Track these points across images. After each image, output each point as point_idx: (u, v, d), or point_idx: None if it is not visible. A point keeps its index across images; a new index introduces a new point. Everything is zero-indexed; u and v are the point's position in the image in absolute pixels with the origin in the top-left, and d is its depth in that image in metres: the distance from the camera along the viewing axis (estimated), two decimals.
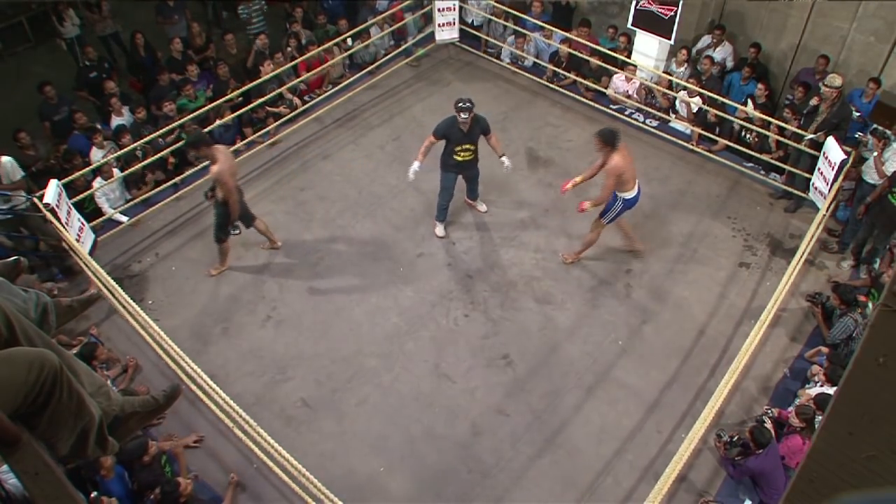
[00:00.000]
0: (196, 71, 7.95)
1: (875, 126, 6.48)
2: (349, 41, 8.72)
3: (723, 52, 8.07)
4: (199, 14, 9.52)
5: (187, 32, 8.91)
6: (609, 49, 8.32)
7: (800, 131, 6.88)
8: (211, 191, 6.06)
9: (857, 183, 6.58)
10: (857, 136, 6.71)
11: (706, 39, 8.21)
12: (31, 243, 6.59)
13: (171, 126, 7.18)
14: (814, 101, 6.88)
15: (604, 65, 8.27)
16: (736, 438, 5.02)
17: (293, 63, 8.15)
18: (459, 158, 6.32)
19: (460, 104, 6.04)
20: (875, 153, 6.24)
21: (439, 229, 6.89)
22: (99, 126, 7.21)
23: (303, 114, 8.28)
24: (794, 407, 5.01)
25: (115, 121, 7.38)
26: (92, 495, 4.15)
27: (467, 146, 6.27)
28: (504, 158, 6.51)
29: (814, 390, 5.22)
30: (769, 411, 5.20)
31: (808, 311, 6.18)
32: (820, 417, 5.05)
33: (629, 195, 5.96)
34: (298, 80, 8.19)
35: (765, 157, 7.38)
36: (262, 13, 8.93)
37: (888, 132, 6.20)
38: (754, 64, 7.86)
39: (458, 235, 6.90)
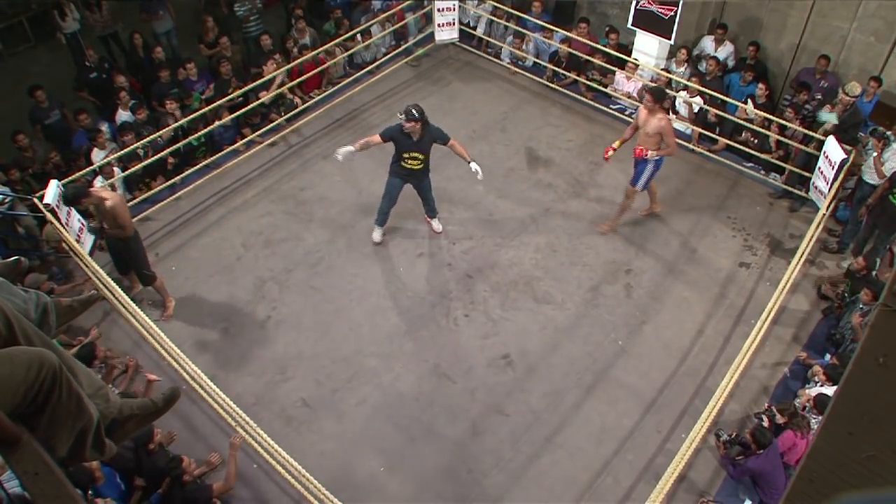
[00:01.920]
0: (195, 70, 7.96)
1: (874, 127, 6.47)
2: (353, 39, 8.71)
3: (724, 52, 8.06)
4: (214, 5, 9.48)
5: (173, 27, 8.91)
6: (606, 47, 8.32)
7: (802, 129, 6.88)
8: (102, 229, 5.83)
9: (856, 182, 6.58)
10: (858, 136, 6.71)
11: (708, 39, 8.20)
12: (30, 243, 6.59)
13: (172, 126, 7.18)
14: (826, 109, 6.88)
15: (605, 64, 8.26)
16: (735, 436, 5.02)
17: (297, 62, 8.14)
18: (406, 166, 6.22)
19: (402, 112, 5.95)
20: (875, 153, 6.24)
21: (376, 234, 6.73)
22: (101, 127, 7.21)
23: (303, 113, 8.28)
24: (778, 404, 5.05)
25: (121, 115, 7.40)
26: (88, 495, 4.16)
27: (415, 154, 6.11)
28: (473, 164, 6.23)
29: (814, 390, 5.23)
30: (770, 409, 5.19)
31: (807, 312, 6.19)
32: (803, 411, 5.08)
33: (661, 156, 6.27)
34: (296, 81, 8.18)
35: (765, 157, 7.38)
36: (258, 13, 8.90)
37: (888, 133, 6.20)
38: (753, 64, 7.86)
39: (458, 235, 6.89)
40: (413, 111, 5.92)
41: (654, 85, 6.19)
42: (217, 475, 4.97)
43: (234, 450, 4.87)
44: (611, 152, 6.46)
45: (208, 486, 4.70)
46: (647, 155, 6.20)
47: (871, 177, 6.29)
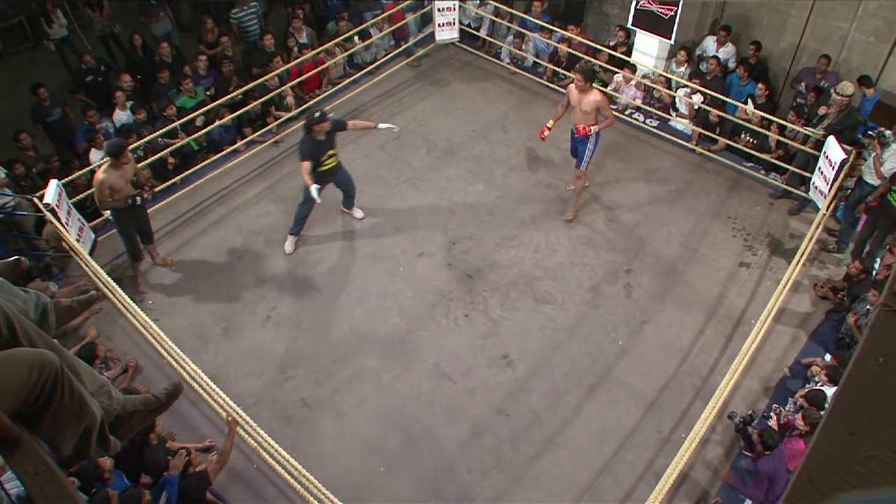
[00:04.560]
0: (206, 64, 7.98)
1: (874, 127, 6.47)
2: (352, 40, 8.71)
3: (726, 53, 8.06)
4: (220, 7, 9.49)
5: (173, 29, 8.92)
6: (610, 47, 8.32)
7: (803, 130, 6.88)
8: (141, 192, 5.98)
9: (856, 182, 6.58)
10: (857, 137, 6.70)
11: (710, 39, 8.19)
12: (30, 244, 6.59)
13: (170, 126, 7.18)
14: (822, 110, 6.87)
15: (607, 66, 8.26)
16: (749, 417, 4.97)
17: (297, 61, 8.14)
18: (324, 168, 6.25)
19: (305, 123, 6.08)
20: (874, 153, 6.24)
21: (289, 244, 6.69)
22: (105, 126, 7.22)
23: (303, 113, 8.28)
24: (802, 411, 4.97)
25: (118, 115, 7.40)
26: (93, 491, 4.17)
27: (330, 153, 6.24)
28: (381, 125, 6.53)
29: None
30: (778, 409, 5.17)
31: (807, 312, 6.19)
32: (800, 410, 5.06)
33: (599, 132, 6.45)
34: (296, 81, 8.19)
35: (765, 157, 7.38)
36: (256, 17, 8.87)
37: (887, 132, 6.20)
38: (751, 63, 7.84)
39: (458, 235, 6.90)
40: (316, 114, 6.05)
41: (584, 66, 6.45)
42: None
43: (233, 425, 4.87)
44: (546, 132, 6.59)
45: (204, 471, 4.69)
46: (589, 131, 6.34)
47: (870, 177, 6.29)
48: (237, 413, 4.52)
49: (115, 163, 5.63)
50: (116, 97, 7.42)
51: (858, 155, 6.52)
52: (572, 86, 6.34)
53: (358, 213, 7.08)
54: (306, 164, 6.04)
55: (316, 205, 6.17)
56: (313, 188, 5.93)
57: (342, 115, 8.40)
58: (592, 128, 6.34)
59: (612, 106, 8.30)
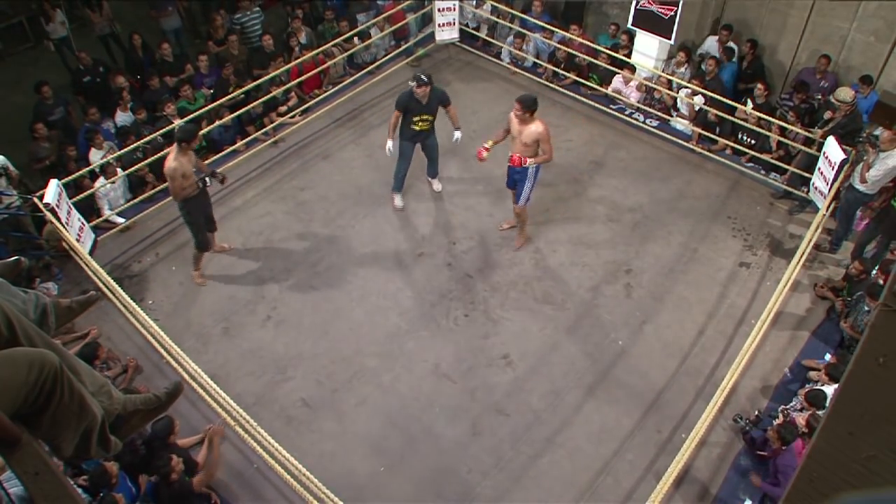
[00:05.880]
0: (206, 63, 7.98)
1: (867, 135, 6.44)
2: (353, 41, 8.72)
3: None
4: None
5: (181, 25, 8.91)
6: (609, 47, 8.32)
7: (803, 131, 6.87)
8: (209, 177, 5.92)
9: (847, 188, 6.53)
10: (859, 139, 6.69)
11: (712, 39, 8.19)
12: (27, 243, 6.59)
13: (169, 127, 7.18)
14: (827, 115, 6.86)
15: (608, 66, 8.26)
16: (755, 419, 4.97)
17: (297, 61, 8.14)
18: (417, 128, 6.66)
19: (413, 79, 6.45)
20: (865, 158, 6.21)
21: (397, 200, 7.16)
22: (106, 126, 7.23)
23: (303, 114, 8.28)
24: (806, 413, 4.97)
25: (120, 115, 7.41)
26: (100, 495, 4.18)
27: (425, 116, 6.62)
28: (456, 132, 6.86)
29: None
30: (787, 412, 5.16)
31: (807, 312, 6.19)
32: (799, 410, 5.05)
33: (539, 165, 6.10)
34: (296, 80, 8.19)
35: (765, 157, 7.38)
36: (259, 21, 8.88)
37: (876, 134, 6.16)
38: (751, 61, 7.84)
39: (458, 235, 6.90)
40: (422, 77, 6.40)
41: (525, 95, 5.86)
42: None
43: (216, 436, 4.91)
44: (485, 153, 6.17)
45: (190, 482, 4.69)
46: (525, 163, 5.94)
47: (858, 182, 6.25)
48: (237, 413, 4.52)
49: (186, 147, 5.59)
50: (123, 97, 7.43)
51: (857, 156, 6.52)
52: (512, 114, 5.91)
53: (437, 185, 7.34)
54: (395, 114, 6.61)
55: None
56: (388, 143, 6.75)
57: (342, 114, 8.44)
58: (529, 160, 5.93)
59: (612, 106, 8.35)
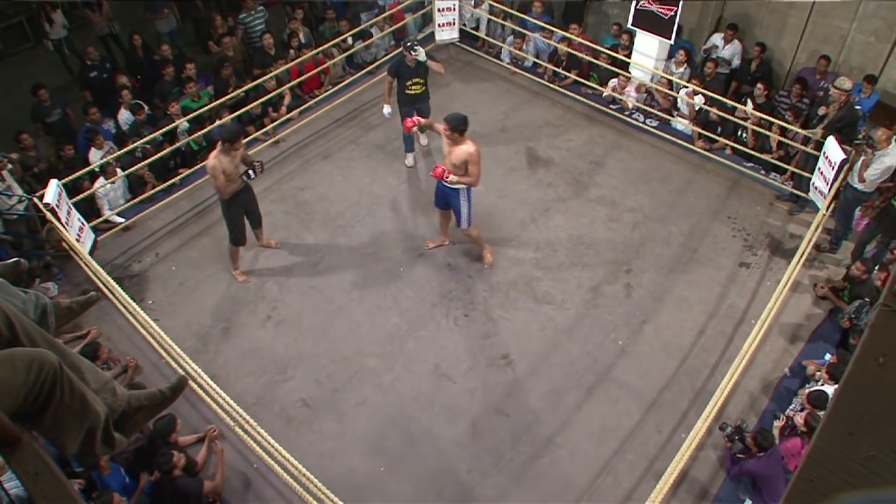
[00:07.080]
0: (194, 70, 7.95)
1: (865, 136, 6.44)
2: (349, 41, 8.73)
3: (731, 51, 8.04)
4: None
5: (177, 28, 8.91)
6: (610, 47, 8.32)
7: (802, 131, 6.87)
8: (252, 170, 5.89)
9: (845, 187, 6.53)
10: (857, 134, 6.69)
11: (717, 37, 8.18)
12: (31, 243, 6.59)
13: (171, 126, 7.18)
14: (822, 111, 6.85)
15: (609, 67, 8.25)
16: (738, 428, 4.98)
17: (296, 61, 8.14)
18: (412, 92, 7.05)
19: (404, 47, 6.92)
20: (863, 157, 6.20)
21: (409, 159, 7.62)
22: (104, 124, 7.22)
23: (303, 114, 8.28)
24: (805, 412, 4.96)
25: (123, 114, 7.40)
26: (94, 495, 4.17)
27: (417, 80, 7.02)
28: (433, 64, 7.13)
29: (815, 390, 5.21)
30: (786, 417, 5.15)
31: (807, 312, 6.19)
32: (800, 410, 5.04)
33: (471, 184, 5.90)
34: (296, 80, 8.18)
35: (765, 157, 7.38)
36: (263, 21, 8.87)
37: (873, 135, 6.16)
38: (758, 64, 7.83)
39: (459, 235, 6.89)
40: (408, 44, 6.88)
41: (452, 115, 5.62)
42: (206, 472, 4.97)
43: (217, 447, 4.94)
44: (411, 124, 6.06)
45: (199, 480, 4.69)
46: (447, 177, 5.74)
47: (855, 181, 6.24)
48: (237, 413, 4.52)
49: (229, 148, 5.60)
50: (123, 96, 7.42)
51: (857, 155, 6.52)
52: (443, 135, 5.74)
53: (423, 139, 7.88)
54: (389, 80, 7.10)
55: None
56: (386, 107, 7.25)
57: (342, 114, 8.44)
58: (451, 176, 5.74)
59: (613, 106, 8.35)
